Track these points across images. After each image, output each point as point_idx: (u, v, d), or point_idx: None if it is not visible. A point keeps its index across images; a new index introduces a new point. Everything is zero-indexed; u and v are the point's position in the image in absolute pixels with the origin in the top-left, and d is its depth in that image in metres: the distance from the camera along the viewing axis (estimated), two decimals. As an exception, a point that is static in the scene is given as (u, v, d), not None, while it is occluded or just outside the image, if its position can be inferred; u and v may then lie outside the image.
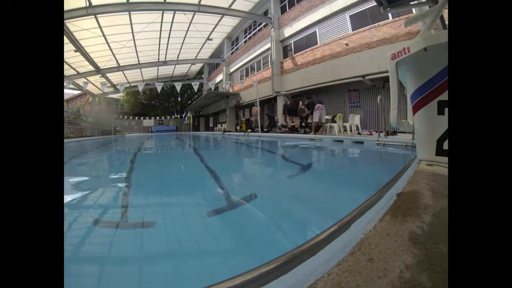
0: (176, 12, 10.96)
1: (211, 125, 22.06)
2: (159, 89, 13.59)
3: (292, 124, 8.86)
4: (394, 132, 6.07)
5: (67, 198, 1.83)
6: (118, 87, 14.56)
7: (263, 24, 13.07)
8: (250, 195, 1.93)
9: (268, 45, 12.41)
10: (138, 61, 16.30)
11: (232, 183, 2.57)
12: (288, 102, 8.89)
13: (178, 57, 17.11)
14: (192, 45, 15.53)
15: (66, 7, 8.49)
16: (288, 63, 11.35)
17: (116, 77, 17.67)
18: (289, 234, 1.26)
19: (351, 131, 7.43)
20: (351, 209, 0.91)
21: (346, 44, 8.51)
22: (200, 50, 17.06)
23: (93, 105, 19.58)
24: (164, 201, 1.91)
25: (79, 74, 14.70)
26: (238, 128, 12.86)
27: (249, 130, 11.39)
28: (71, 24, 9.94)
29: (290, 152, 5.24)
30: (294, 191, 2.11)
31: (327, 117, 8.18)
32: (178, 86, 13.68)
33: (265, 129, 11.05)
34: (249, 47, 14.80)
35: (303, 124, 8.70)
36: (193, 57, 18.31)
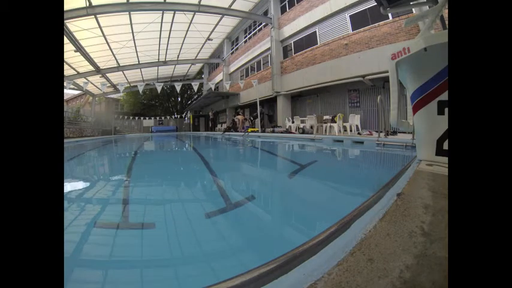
0: (176, 12, 10.94)
1: (210, 125, 22.03)
2: (159, 89, 13.59)
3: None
4: (394, 132, 6.06)
5: (69, 198, 1.83)
6: (118, 87, 14.52)
7: (263, 24, 13.05)
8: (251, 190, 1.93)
9: (268, 45, 12.40)
10: (138, 61, 16.28)
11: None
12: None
13: (178, 57, 17.09)
14: (192, 45, 15.51)
15: (66, 7, 8.48)
16: (288, 63, 11.34)
17: (116, 77, 17.65)
18: (284, 233, 1.27)
19: (350, 131, 7.43)
20: (350, 210, 0.91)
21: (346, 44, 8.51)
22: (200, 50, 17.05)
23: (93, 105, 19.56)
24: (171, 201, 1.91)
25: (79, 74, 14.67)
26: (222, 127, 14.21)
27: (249, 130, 11.40)
28: (71, 24, 9.93)
29: (289, 151, 5.24)
30: (293, 191, 2.11)
31: (327, 117, 8.18)
32: (178, 86, 13.67)
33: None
34: (249, 47, 14.78)
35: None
36: (193, 57, 18.29)
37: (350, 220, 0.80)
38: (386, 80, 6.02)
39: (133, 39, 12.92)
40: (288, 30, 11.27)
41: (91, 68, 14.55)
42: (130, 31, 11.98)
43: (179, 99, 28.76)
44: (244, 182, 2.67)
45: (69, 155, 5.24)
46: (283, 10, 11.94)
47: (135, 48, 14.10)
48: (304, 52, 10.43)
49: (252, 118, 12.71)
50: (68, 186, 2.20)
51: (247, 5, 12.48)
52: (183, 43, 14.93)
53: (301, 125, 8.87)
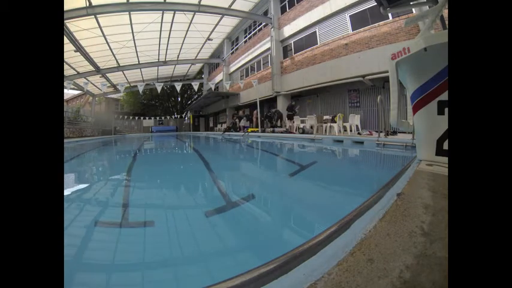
0: (176, 12, 10.94)
1: (211, 125, 22.05)
2: (159, 89, 13.60)
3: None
4: (394, 132, 6.06)
5: (68, 198, 1.82)
6: (118, 87, 14.54)
7: (263, 24, 13.05)
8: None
9: (268, 45, 12.40)
10: (138, 61, 16.27)
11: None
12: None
13: (178, 57, 17.09)
14: (192, 45, 15.51)
15: (66, 7, 8.48)
16: (288, 63, 11.34)
17: (116, 77, 17.65)
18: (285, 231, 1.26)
19: (350, 131, 7.43)
20: (350, 210, 0.91)
21: (346, 44, 8.51)
22: (200, 50, 17.04)
23: (93, 105, 19.57)
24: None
25: (79, 74, 14.68)
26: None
27: (249, 130, 11.40)
28: (71, 24, 9.93)
29: (289, 151, 5.24)
30: (293, 191, 2.11)
31: (327, 117, 8.18)
32: (178, 86, 13.68)
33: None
34: (249, 47, 14.78)
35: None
36: (193, 57, 18.29)
37: (350, 220, 0.80)
38: (386, 80, 6.02)
39: (133, 39, 12.91)
40: (288, 30, 11.27)
41: (91, 68, 14.55)
42: (131, 31, 11.98)
43: (179, 99, 28.77)
44: (244, 182, 2.67)
45: (70, 155, 5.24)
46: (283, 10, 11.94)
47: (135, 48, 14.10)
48: (304, 52, 10.43)
49: (264, 116, 12.30)
50: (68, 186, 2.20)
51: (247, 5, 12.48)
52: (183, 43, 14.93)
53: (301, 125, 8.87)
